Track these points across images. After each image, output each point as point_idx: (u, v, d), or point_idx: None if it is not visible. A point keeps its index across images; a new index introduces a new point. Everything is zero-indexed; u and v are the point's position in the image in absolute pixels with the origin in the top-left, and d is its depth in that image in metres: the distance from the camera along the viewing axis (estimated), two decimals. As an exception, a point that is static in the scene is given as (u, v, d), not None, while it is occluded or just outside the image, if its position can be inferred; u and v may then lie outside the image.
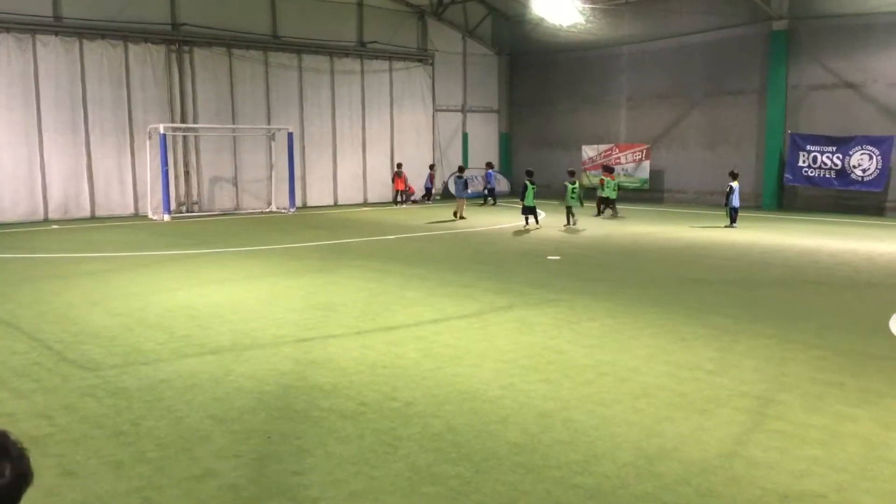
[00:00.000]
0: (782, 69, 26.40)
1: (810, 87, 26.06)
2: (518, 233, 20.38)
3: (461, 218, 23.72)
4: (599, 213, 24.94)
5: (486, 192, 31.03)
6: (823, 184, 25.53)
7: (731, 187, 21.43)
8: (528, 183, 21.06)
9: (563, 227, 21.49)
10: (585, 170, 31.63)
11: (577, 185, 22.49)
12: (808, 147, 25.53)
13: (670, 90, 30.16)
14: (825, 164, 25.22)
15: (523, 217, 21.54)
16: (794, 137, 25.86)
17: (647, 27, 30.31)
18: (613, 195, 24.94)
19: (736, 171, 22.32)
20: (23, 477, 2.25)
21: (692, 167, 29.72)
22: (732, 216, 21.54)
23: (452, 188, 33.80)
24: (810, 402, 6.64)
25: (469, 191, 27.49)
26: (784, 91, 26.49)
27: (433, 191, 32.30)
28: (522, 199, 21.23)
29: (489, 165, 31.72)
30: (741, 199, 22.25)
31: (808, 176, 25.71)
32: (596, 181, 27.21)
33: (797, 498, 4.84)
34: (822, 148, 25.22)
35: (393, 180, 31.02)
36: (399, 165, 30.98)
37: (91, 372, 7.72)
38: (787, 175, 26.23)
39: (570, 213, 22.03)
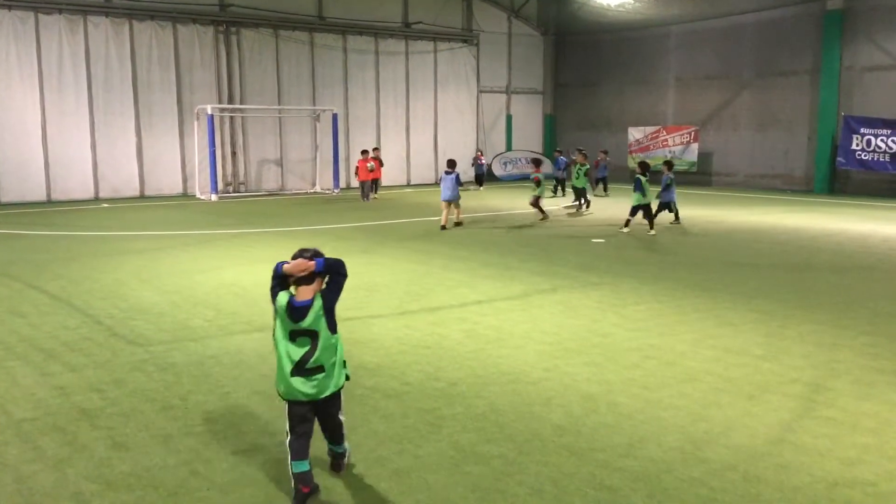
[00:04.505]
0: (836, 50, 25.74)
1: (865, 68, 25.37)
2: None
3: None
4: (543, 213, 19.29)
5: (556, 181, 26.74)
6: (877, 168, 24.90)
7: (671, 178, 17.98)
8: (640, 177, 16.64)
9: (575, 210, 20.97)
10: (631, 152, 31.26)
11: (586, 166, 21.45)
12: (861, 130, 24.89)
13: (720, 71, 29.62)
14: (879, 148, 24.59)
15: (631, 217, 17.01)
16: (847, 120, 25.24)
17: (696, 6, 29.75)
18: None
19: (672, 161, 19.76)
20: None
21: (741, 150, 29.20)
22: (674, 210, 18.28)
23: (499, 170, 33.29)
24: (862, 390, 6.50)
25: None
26: (838, 72, 25.84)
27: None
28: (642, 192, 16.60)
29: (560, 152, 27.80)
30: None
31: (861, 160, 25.09)
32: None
33: (847, 486, 4.74)
34: (877, 131, 24.57)
35: (371, 169, 24.93)
36: (375, 149, 26.71)
37: (140, 347, 7.86)
38: (839, 158, 25.63)
39: (580, 194, 21.25)
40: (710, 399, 6.27)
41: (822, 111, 26.25)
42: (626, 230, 16.66)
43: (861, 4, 25.29)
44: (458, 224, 17.33)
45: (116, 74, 24.90)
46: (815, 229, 17.21)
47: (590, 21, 33.25)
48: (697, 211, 21.11)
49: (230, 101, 27.01)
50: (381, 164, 25.87)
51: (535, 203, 18.73)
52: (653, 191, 16.79)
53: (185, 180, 26.42)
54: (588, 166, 21.59)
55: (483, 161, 30.61)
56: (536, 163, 20.45)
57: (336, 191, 27.64)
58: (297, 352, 4.51)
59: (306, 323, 4.47)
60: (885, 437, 5.50)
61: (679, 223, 18.10)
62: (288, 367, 4.52)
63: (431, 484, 4.78)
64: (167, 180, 26.15)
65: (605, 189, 26.32)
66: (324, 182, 28.32)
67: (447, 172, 17.43)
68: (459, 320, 8.94)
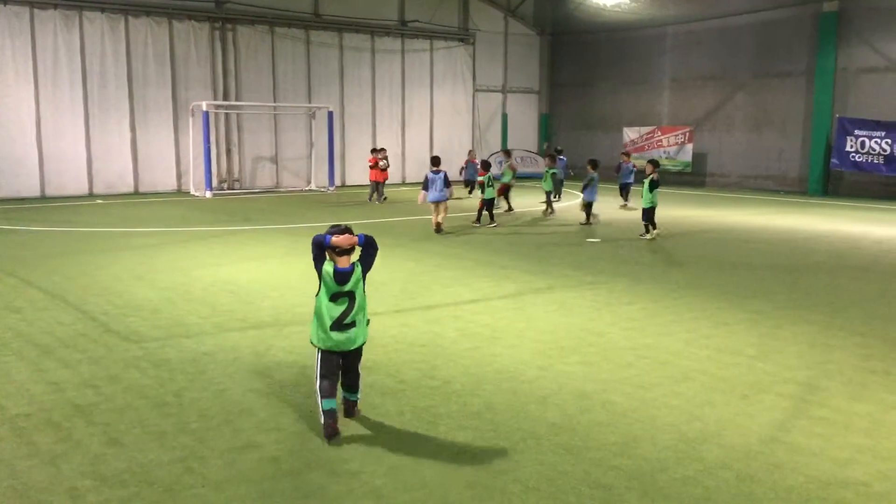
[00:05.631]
0: (831, 51, 25.81)
1: (860, 70, 25.45)
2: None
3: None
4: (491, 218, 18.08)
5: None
6: (871, 169, 24.98)
7: (593, 178, 18.20)
8: (652, 176, 15.72)
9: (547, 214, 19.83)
10: (628, 153, 31.22)
11: (553, 169, 20.29)
12: (856, 131, 24.97)
13: (715, 72, 29.67)
14: (873, 150, 24.66)
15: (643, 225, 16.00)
16: (841, 121, 25.31)
17: (692, 7, 29.80)
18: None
19: (595, 159, 19.22)
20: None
21: (736, 151, 29.26)
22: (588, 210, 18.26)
23: (495, 169, 32.74)
24: (855, 390, 6.53)
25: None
26: (832, 74, 25.91)
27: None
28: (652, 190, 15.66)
29: (559, 152, 25.46)
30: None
31: (855, 161, 25.17)
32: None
33: (840, 486, 4.77)
34: (871, 133, 24.64)
35: (382, 168, 23.62)
36: (382, 150, 24.52)
37: (135, 344, 7.85)
38: (833, 160, 25.70)
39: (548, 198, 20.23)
40: (704, 398, 6.29)
41: (817, 112, 26.32)
42: (649, 236, 15.68)
43: (856, 6, 25.36)
44: (439, 230, 16.10)
45: (111, 70, 24.82)
46: (808, 230, 17.27)
47: (586, 21, 33.28)
48: (692, 211, 21.16)
49: (225, 97, 26.95)
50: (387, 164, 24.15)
51: (486, 206, 17.73)
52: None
53: (179, 177, 26.35)
54: (556, 169, 20.49)
55: (477, 162, 25.10)
56: (485, 165, 18.20)
57: (331, 188, 27.62)
58: (337, 310, 5.45)
59: (348, 286, 5.46)
60: (877, 437, 5.53)
61: (590, 225, 17.87)
62: (328, 323, 5.45)
63: (427, 481, 4.79)
64: (161, 176, 26.08)
65: (627, 197, 22.21)
66: (319, 180, 28.29)
67: (434, 172, 16.35)
68: (454, 318, 8.95)
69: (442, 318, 9.00)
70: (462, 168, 27.58)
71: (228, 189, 27.13)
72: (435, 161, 16.93)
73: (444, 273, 11.84)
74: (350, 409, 5.82)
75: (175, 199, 24.19)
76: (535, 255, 13.73)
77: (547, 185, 20.37)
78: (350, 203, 23.21)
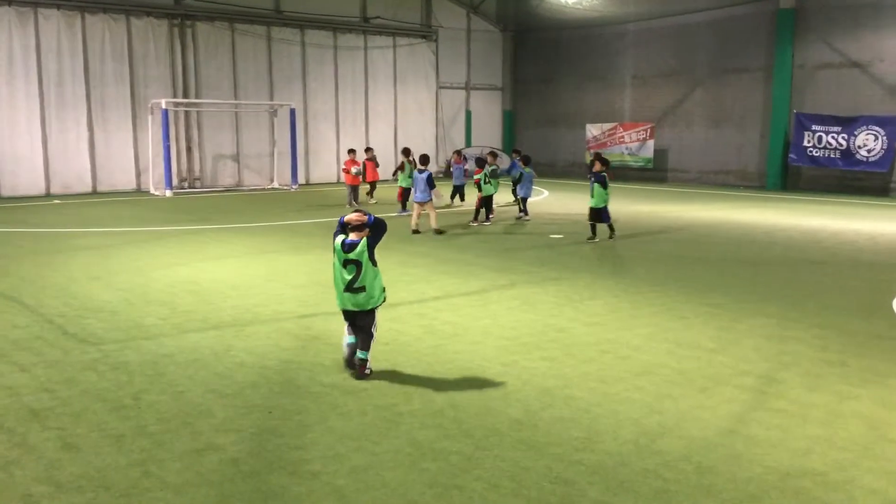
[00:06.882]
0: (788, 48, 26.21)
1: (816, 66, 25.88)
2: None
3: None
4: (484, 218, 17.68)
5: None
6: (828, 164, 25.42)
7: (523, 174, 18.52)
8: (604, 174, 14.79)
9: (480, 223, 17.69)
10: (589, 149, 31.47)
11: (494, 166, 18.45)
12: (813, 127, 25.40)
13: (675, 68, 29.98)
14: (830, 144, 25.11)
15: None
16: (799, 117, 25.73)
17: (652, 4, 30.06)
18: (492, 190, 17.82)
19: (527, 155, 19.40)
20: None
21: (696, 146, 29.60)
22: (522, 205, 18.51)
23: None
24: (812, 382, 6.64)
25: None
26: (790, 70, 26.31)
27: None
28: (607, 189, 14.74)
29: (517, 153, 21.86)
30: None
31: (812, 156, 25.60)
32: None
33: (798, 476, 4.83)
34: (828, 128, 25.09)
35: (364, 168, 22.47)
36: (368, 150, 23.72)
37: (92, 346, 7.72)
38: (791, 155, 26.11)
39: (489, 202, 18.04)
40: (664, 392, 6.35)
41: (775, 108, 26.71)
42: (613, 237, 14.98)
43: (813, 3, 25.77)
44: (438, 232, 15.80)
45: (68, 68, 24.39)
46: (767, 224, 17.52)
47: (548, 18, 33.41)
48: (652, 207, 21.35)
49: (185, 95, 26.63)
50: (376, 164, 22.97)
51: (484, 204, 17.51)
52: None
53: (138, 175, 25.98)
54: (496, 167, 18.93)
55: (463, 166, 22.69)
56: (479, 162, 17.86)
57: (294, 187, 27.43)
58: (348, 275, 6.69)
59: (353, 255, 6.68)
60: (834, 427, 5.62)
61: (518, 218, 18.33)
62: (341, 286, 6.74)
63: (388, 481, 4.77)
64: (120, 176, 25.69)
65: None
66: (281, 178, 28.08)
67: (419, 171, 15.95)
68: (417, 316, 8.93)
69: (405, 315, 8.98)
70: (449, 168, 25.23)
71: (189, 188, 26.81)
72: (422, 160, 16.33)
73: (408, 270, 11.81)
74: (360, 371, 6.71)
75: (134, 198, 23.85)
76: (500, 252, 13.75)
77: (491, 186, 18.18)
78: (312, 201, 23.03)
